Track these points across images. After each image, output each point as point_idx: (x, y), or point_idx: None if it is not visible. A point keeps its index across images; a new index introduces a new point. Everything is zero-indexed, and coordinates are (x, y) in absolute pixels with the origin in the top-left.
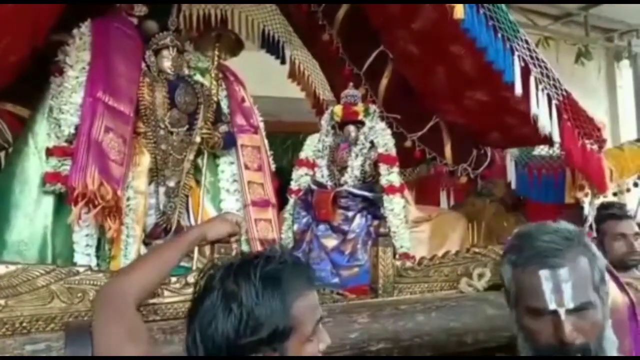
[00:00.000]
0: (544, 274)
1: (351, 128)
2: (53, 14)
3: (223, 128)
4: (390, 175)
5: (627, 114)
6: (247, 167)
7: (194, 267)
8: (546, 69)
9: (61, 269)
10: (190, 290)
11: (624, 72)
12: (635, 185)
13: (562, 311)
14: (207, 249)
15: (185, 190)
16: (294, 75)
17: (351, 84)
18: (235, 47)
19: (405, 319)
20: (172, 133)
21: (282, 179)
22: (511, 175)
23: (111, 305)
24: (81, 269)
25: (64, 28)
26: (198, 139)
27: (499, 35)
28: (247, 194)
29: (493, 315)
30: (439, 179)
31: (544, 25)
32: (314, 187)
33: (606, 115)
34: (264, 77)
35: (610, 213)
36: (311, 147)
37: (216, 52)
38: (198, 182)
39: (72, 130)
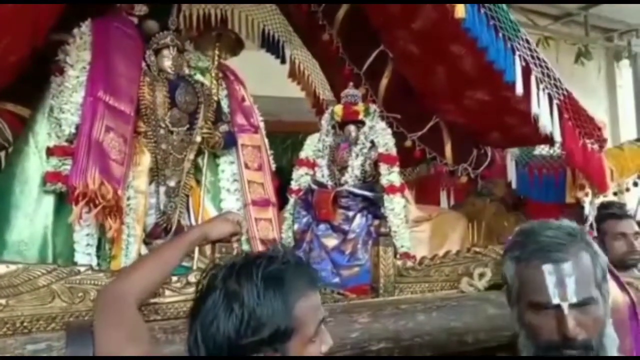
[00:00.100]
0: (547, 268)
1: (351, 128)
2: (53, 14)
3: (223, 127)
4: (391, 175)
5: (627, 114)
6: (247, 167)
7: (195, 267)
8: (547, 68)
9: (62, 268)
10: (191, 289)
11: (624, 71)
12: (635, 184)
13: (565, 305)
14: (207, 249)
15: (185, 190)
16: (294, 74)
17: (351, 83)
18: (236, 46)
19: (406, 319)
20: (172, 132)
21: (282, 178)
22: (512, 175)
23: (112, 308)
24: (82, 269)
25: (64, 28)
26: (198, 139)
27: (500, 34)
28: (247, 194)
29: (494, 314)
30: (439, 178)
31: (544, 25)
32: (314, 186)
33: (606, 115)
34: (264, 76)
35: (611, 212)
36: (311, 146)
37: (216, 52)
38: (198, 182)
39: (73, 130)
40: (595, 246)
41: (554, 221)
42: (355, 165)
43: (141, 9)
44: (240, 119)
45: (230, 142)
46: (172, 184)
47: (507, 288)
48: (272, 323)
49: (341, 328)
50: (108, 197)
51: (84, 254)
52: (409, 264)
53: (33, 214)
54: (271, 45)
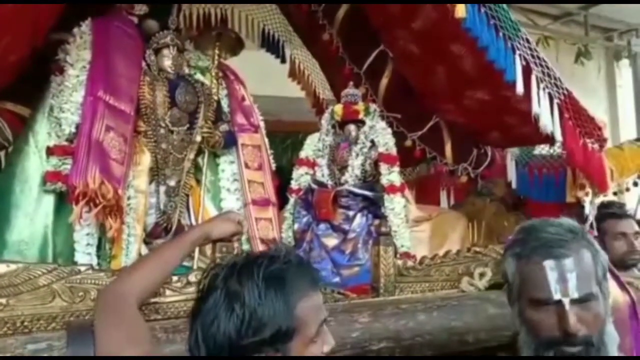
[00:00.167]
0: (548, 264)
1: (351, 127)
2: (53, 14)
3: (223, 127)
4: (391, 175)
5: (627, 114)
6: (247, 166)
7: (195, 267)
8: (547, 68)
9: (62, 268)
10: (191, 289)
11: (624, 71)
12: (635, 184)
13: (566, 301)
14: (207, 249)
15: (185, 190)
16: (294, 74)
17: (351, 83)
18: (236, 46)
19: (407, 318)
20: (172, 132)
21: (282, 178)
22: (512, 175)
23: (112, 307)
24: (82, 268)
25: (64, 27)
26: (198, 138)
27: (501, 34)
28: (247, 193)
29: (494, 314)
30: (439, 178)
31: (544, 25)
32: (314, 186)
33: (606, 115)
34: (263, 76)
35: (611, 212)
36: (311, 146)
37: (216, 51)
38: (198, 181)
39: (73, 129)
40: (596, 244)
41: (554, 219)
42: (356, 165)
43: (141, 8)
44: (240, 119)
45: (230, 141)
46: (172, 183)
47: (507, 286)
48: (273, 323)
49: (342, 327)
50: (108, 197)
51: (84, 253)
52: (410, 263)
53: (33, 214)
54: (271, 45)
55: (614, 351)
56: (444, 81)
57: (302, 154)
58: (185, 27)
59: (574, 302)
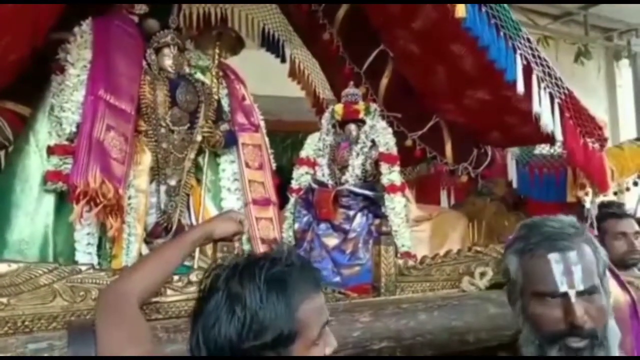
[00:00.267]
0: (553, 257)
1: (352, 127)
2: (53, 14)
3: (224, 126)
4: (392, 174)
5: (627, 114)
6: (248, 166)
7: (196, 266)
8: (548, 67)
9: (63, 267)
10: (192, 288)
11: (624, 71)
12: (635, 184)
13: (572, 293)
14: (208, 248)
15: (186, 189)
16: (294, 74)
17: (351, 82)
18: (236, 45)
19: (408, 318)
20: (173, 131)
21: (282, 177)
22: (512, 174)
23: (113, 307)
24: (83, 268)
25: (64, 27)
26: (199, 138)
27: (501, 33)
28: (248, 193)
29: (495, 314)
30: (439, 178)
31: (544, 25)
32: (314, 185)
33: (606, 115)
34: (264, 76)
35: (611, 212)
36: (312, 145)
37: (217, 51)
38: (199, 181)
39: (74, 129)
40: (596, 241)
41: (554, 216)
42: (356, 165)
43: (142, 7)
44: (240, 118)
45: (230, 141)
46: (172, 183)
47: (509, 283)
48: (275, 327)
49: (343, 327)
50: (109, 196)
51: (85, 253)
52: (411, 263)
53: (34, 213)
54: (271, 45)
55: (615, 347)
56: (444, 81)
57: (303, 154)
58: (186, 26)
59: (579, 294)
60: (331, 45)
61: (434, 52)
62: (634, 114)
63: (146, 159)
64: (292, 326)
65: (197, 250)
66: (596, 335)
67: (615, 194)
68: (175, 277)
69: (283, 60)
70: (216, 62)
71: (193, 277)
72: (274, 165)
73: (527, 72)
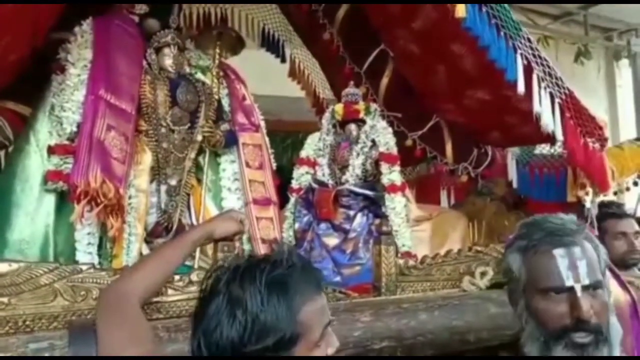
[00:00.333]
0: (558, 252)
1: (352, 127)
2: (53, 14)
3: (224, 126)
4: (392, 174)
5: (627, 114)
6: (248, 165)
7: (196, 266)
8: (548, 67)
9: (64, 267)
10: (193, 288)
11: (624, 71)
12: (635, 184)
13: (578, 287)
14: (209, 248)
15: (186, 189)
16: (294, 74)
17: (352, 82)
18: (237, 45)
19: (408, 318)
20: (173, 131)
21: (282, 177)
22: (512, 174)
23: (114, 307)
24: (84, 267)
25: (64, 27)
26: (199, 137)
27: (502, 33)
28: (248, 192)
29: (496, 313)
30: (439, 177)
31: (544, 25)
32: (315, 185)
33: (606, 115)
34: (264, 76)
35: (611, 212)
36: (312, 145)
37: (217, 50)
38: (199, 181)
39: (74, 128)
40: (596, 239)
41: (554, 215)
42: (356, 164)
43: (142, 7)
44: (241, 118)
45: (231, 140)
46: (173, 182)
47: (510, 282)
48: (276, 330)
49: (343, 327)
50: (109, 196)
51: (86, 252)
52: (411, 262)
53: (34, 213)
54: (271, 45)
55: (617, 344)
56: (444, 81)
57: (303, 154)
58: (186, 26)
59: (584, 288)
60: (331, 45)
61: (434, 52)
62: (634, 114)
63: (147, 158)
64: (293, 329)
65: (198, 250)
66: (601, 330)
67: (615, 193)
68: (176, 277)
69: (283, 60)
70: (216, 62)
71: (194, 277)
72: (274, 165)
73: (528, 72)
